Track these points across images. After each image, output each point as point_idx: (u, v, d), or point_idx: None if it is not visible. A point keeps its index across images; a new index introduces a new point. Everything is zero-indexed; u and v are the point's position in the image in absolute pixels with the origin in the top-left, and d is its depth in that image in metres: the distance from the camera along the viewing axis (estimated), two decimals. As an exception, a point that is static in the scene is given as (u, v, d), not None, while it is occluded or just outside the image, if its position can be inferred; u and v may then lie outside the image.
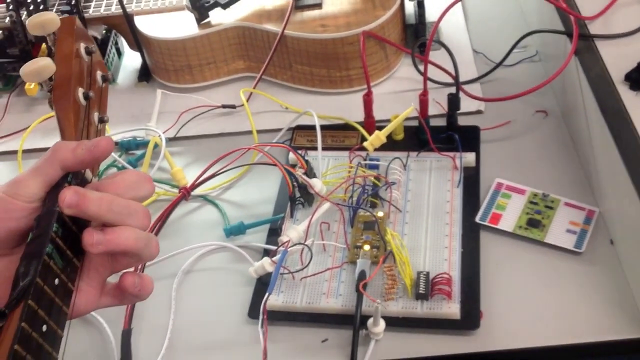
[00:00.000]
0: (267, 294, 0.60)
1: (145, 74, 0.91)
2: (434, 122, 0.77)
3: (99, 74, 0.54)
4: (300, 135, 0.80)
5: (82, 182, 0.47)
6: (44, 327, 0.41)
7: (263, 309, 0.59)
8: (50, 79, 0.49)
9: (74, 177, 0.46)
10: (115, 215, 0.44)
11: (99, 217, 0.44)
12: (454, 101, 0.75)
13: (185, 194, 0.66)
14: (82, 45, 0.51)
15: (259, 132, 0.81)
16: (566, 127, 0.78)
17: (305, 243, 0.64)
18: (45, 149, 0.81)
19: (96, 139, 0.46)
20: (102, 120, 0.53)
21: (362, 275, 0.63)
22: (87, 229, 0.44)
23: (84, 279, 0.46)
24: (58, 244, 0.43)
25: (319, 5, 0.85)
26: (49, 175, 0.46)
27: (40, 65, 0.48)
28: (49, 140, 0.84)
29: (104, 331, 0.65)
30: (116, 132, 0.83)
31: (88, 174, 0.49)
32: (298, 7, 0.84)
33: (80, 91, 0.50)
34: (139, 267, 0.61)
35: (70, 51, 0.50)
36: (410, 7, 0.90)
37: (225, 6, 0.85)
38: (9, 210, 0.45)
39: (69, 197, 0.43)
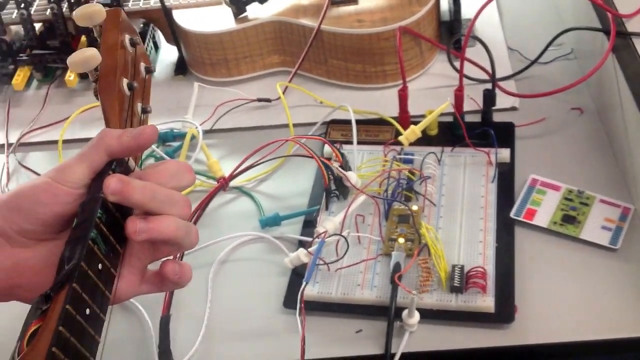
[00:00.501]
0: (304, 283, 0.61)
1: (181, 68, 0.93)
2: (468, 118, 0.78)
3: (142, 65, 0.55)
4: (335, 130, 0.81)
5: (126, 170, 0.48)
6: (87, 311, 0.42)
7: (300, 298, 0.60)
8: (96, 69, 0.50)
9: (118, 165, 0.47)
10: (157, 204, 0.46)
11: (142, 205, 0.45)
12: (489, 97, 0.75)
13: (224, 184, 0.67)
14: (127, 37, 0.53)
15: (293, 125, 0.82)
16: (602, 125, 0.78)
17: (342, 234, 0.64)
18: (84, 139, 0.84)
19: (141, 127, 0.48)
20: (145, 111, 0.54)
21: (397, 267, 0.63)
22: (131, 217, 0.45)
23: (125, 265, 0.47)
24: (102, 230, 0.44)
25: (355, 1, 0.85)
26: (95, 161, 0.47)
27: (87, 55, 0.49)
28: (88, 131, 0.85)
29: (143, 318, 0.66)
30: (154, 123, 0.84)
31: (131, 162, 0.50)
32: (334, 2, 0.85)
33: (125, 82, 0.51)
34: (178, 255, 0.62)
35: (116, 42, 0.52)
36: (445, 4, 0.90)
37: (262, 1, 0.86)
38: (56, 195, 0.46)
39: (113, 184, 0.44)
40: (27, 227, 0.46)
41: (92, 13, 0.51)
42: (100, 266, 0.44)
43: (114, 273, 0.45)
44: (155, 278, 0.49)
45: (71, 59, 0.49)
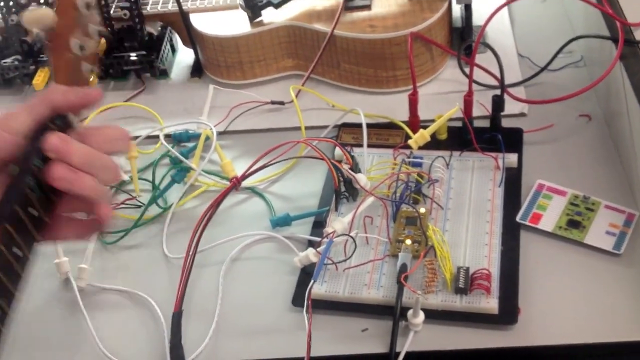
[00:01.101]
0: (312, 281, 0.63)
1: (197, 70, 0.95)
2: (477, 124, 0.79)
3: (94, 28, 0.56)
4: (346, 133, 0.82)
5: (67, 125, 0.50)
6: (18, 252, 0.46)
7: (308, 295, 0.62)
8: (50, 29, 0.52)
9: (60, 119, 0.50)
10: (90, 168, 0.48)
11: (78, 166, 0.48)
12: (498, 102, 0.76)
13: (236, 183, 0.69)
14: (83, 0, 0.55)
15: (305, 128, 0.83)
16: (609, 132, 0.79)
17: (350, 234, 0.66)
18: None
19: (89, 88, 0.51)
20: (92, 71, 0.55)
21: (403, 267, 0.65)
22: (57, 163, 0.47)
23: (56, 212, 0.49)
24: (38, 178, 0.46)
25: (368, 7, 0.87)
26: (39, 113, 0.49)
27: (42, 13, 0.52)
28: (105, 130, 0.87)
29: (156, 313, 0.68)
30: (169, 124, 0.86)
31: (73, 119, 0.52)
32: (348, 8, 0.87)
33: (76, 42, 0.53)
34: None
35: (71, 3, 0.54)
36: (457, 11, 0.92)
37: (277, 6, 0.88)
38: None
39: (54, 141, 0.47)
40: None
41: (40, 16, 0.54)
42: (33, 212, 0.47)
43: (45, 219, 0.48)
44: (78, 224, 0.51)
45: (26, 16, 0.51)
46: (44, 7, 0.53)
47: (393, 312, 0.63)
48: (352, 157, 0.72)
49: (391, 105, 0.85)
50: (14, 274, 0.46)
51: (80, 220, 0.51)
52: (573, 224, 0.69)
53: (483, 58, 0.84)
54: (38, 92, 0.51)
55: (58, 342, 0.68)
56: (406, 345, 0.62)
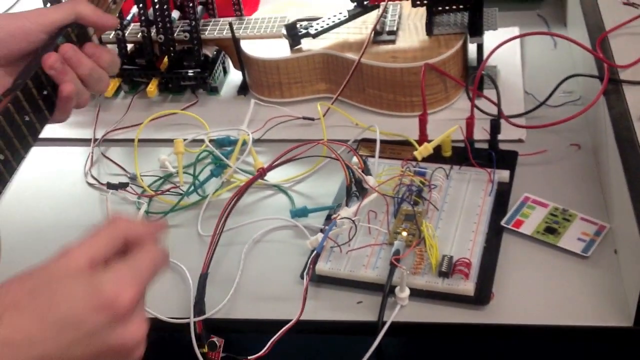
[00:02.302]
0: (315, 252, 0.74)
1: (244, 89, 1.09)
2: (479, 145, 0.90)
3: None
4: (364, 146, 0.95)
5: (83, 34, 0.64)
6: (27, 118, 0.59)
7: (310, 264, 0.74)
8: None
9: (79, 28, 0.64)
10: (88, 78, 0.63)
11: (81, 77, 0.63)
12: (495, 125, 0.88)
13: (262, 173, 0.82)
14: None
15: (329, 141, 0.96)
16: (594, 160, 0.89)
17: (353, 219, 0.78)
18: (155, 140, 1.00)
19: (109, 14, 0.67)
20: (115, 2, 0.71)
21: (396, 252, 0.76)
22: (53, 55, 0.61)
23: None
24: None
25: (393, 42, 1.00)
26: (65, 17, 0.63)
27: None
28: (159, 133, 1.02)
29: (186, 277, 0.80)
30: (215, 130, 1.00)
31: (90, 30, 0.66)
32: (375, 41, 1.00)
33: None
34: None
35: None
36: (474, 52, 1.04)
37: (314, 36, 1.02)
38: (27, 33, 0.63)
39: (68, 51, 0.62)
40: None
41: None
42: (44, 92, 0.61)
43: (54, 99, 0.62)
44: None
45: None
46: None
47: (383, 288, 0.74)
48: (364, 161, 0.85)
49: (407, 127, 0.97)
50: (24, 138, 0.57)
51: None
52: (550, 230, 0.79)
53: (493, 93, 0.96)
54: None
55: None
56: (392, 316, 0.73)
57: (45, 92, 0.61)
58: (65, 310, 0.43)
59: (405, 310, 0.74)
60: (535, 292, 0.74)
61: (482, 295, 0.73)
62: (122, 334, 0.45)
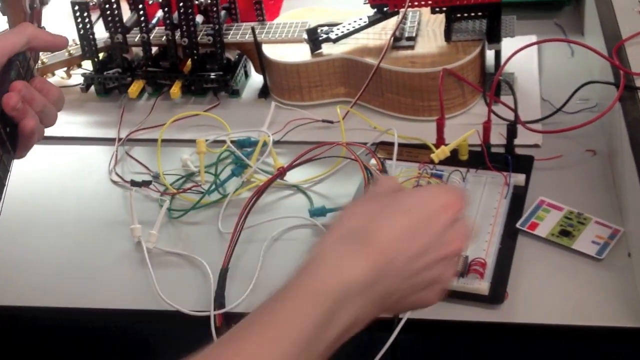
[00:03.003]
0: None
1: (264, 92, 1.11)
2: (495, 150, 0.92)
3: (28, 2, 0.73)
4: (382, 149, 0.96)
5: (29, 69, 0.66)
6: None
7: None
8: None
9: (23, 58, 0.65)
10: (42, 115, 0.65)
11: (35, 111, 0.65)
12: (512, 130, 0.89)
13: (282, 172, 0.84)
14: None
15: (348, 143, 0.98)
16: (610, 165, 0.90)
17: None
18: (178, 140, 1.03)
19: (59, 34, 0.69)
20: (39, 26, 0.73)
21: (412, 251, 0.78)
22: (14, 95, 0.62)
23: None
24: None
25: (411, 47, 1.02)
26: (18, 41, 0.65)
27: None
28: (182, 133, 1.05)
29: (207, 272, 0.82)
30: (236, 131, 1.02)
31: (33, 64, 0.68)
32: (394, 46, 1.02)
33: (27, 2, 0.70)
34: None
35: None
36: (491, 59, 1.06)
37: (335, 41, 1.04)
38: None
39: (21, 88, 0.63)
40: None
41: None
42: (7, 129, 0.63)
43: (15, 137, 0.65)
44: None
45: None
46: None
47: (400, 286, 0.75)
48: (382, 163, 0.86)
49: (424, 131, 0.98)
50: None
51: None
52: (564, 232, 0.81)
53: (510, 99, 0.97)
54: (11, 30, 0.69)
55: (129, 289, 0.83)
56: (407, 313, 0.74)
57: (8, 129, 0.63)
58: (418, 214, 0.52)
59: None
60: (549, 293, 0.75)
61: (496, 295, 0.74)
62: (458, 234, 0.53)
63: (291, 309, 0.48)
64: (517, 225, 0.82)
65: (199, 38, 1.10)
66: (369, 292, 0.50)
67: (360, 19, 1.05)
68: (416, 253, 0.51)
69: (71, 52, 1.14)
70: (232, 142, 1.01)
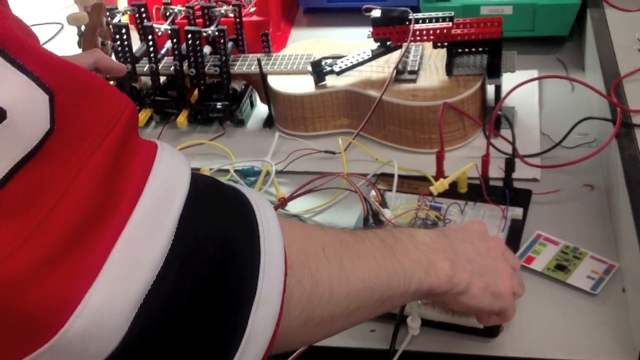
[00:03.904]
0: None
1: (269, 122, 1.13)
2: (494, 183, 0.93)
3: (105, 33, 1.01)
4: (383, 180, 0.98)
5: None
6: None
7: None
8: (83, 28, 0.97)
9: None
10: None
11: None
12: (510, 163, 0.91)
13: (284, 202, 0.85)
14: (104, 19, 1.00)
15: (349, 174, 1.00)
16: (607, 200, 0.92)
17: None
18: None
19: (120, 64, 0.90)
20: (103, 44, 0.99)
21: (409, 283, 0.79)
22: None
23: None
24: None
25: (413, 80, 1.04)
26: (91, 61, 0.83)
27: (80, 15, 0.96)
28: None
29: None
30: (240, 161, 1.04)
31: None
32: (397, 79, 1.04)
33: (99, 39, 0.95)
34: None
35: (95, 21, 0.99)
36: (492, 93, 1.08)
37: (339, 73, 1.06)
38: None
39: None
40: None
41: (78, 17, 0.96)
42: None
43: None
44: None
45: (69, 15, 0.94)
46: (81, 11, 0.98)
47: (396, 318, 0.76)
48: (382, 194, 0.88)
49: (425, 163, 1.00)
50: None
51: None
52: (560, 267, 0.82)
53: (510, 133, 0.99)
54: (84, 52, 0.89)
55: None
56: (404, 345, 0.75)
57: None
58: (467, 236, 0.70)
59: (417, 339, 0.76)
60: (544, 327, 0.76)
61: (491, 328, 0.75)
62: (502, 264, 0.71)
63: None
64: (514, 258, 0.83)
65: (206, 68, 1.12)
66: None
67: (364, 52, 1.08)
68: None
69: (81, 80, 1.17)
70: (235, 171, 1.03)
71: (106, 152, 0.43)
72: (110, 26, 1.08)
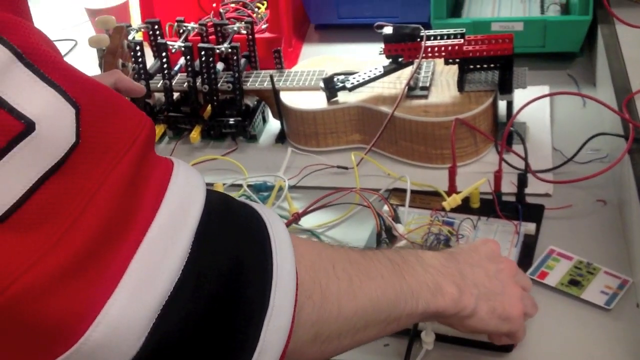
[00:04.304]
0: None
1: (281, 137, 1.14)
2: (507, 198, 0.94)
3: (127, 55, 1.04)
4: (395, 195, 0.98)
5: None
6: None
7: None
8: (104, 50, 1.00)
9: None
10: None
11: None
12: (522, 179, 0.91)
13: (297, 217, 0.86)
14: (125, 42, 1.02)
15: (362, 189, 1.00)
16: (619, 215, 0.92)
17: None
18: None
19: (140, 85, 0.92)
20: (124, 65, 1.03)
21: (423, 298, 0.79)
22: None
23: None
24: None
25: (425, 97, 1.05)
26: (112, 80, 0.86)
27: (101, 38, 1.00)
28: (201, 177, 1.07)
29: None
30: (253, 176, 1.05)
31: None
32: (408, 95, 1.05)
33: (120, 61, 0.98)
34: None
35: (116, 44, 1.01)
36: (504, 108, 1.08)
37: (351, 89, 1.07)
38: None
39: None
40: None
41: (99, 39, 1.00)
42: None
43: None
44: None
45: (91, 37, 0.99)
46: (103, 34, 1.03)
47: (410, 332, 0.77)
48: (395, 210, 0.88)
49: (437, 178, 1.00)
50: None
51: None
52: (574, 282, 0.82)
53: (522, 149, 0.99)
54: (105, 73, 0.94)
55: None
56: (418, 358, 0.76)
57: None
58: (477, 259, 0.71)
59: (431, 354, 0.76)
60: (557, 342, 0.76)
61: (504, 344, 0.75)
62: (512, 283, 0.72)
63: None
64: (527, 274, 0.83)
65: (219, 85, 1.13)
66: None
67: (376, 68, 1.08)
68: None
69: (96, 96, 1.18)
70: (248, 186, 1.03)
71: (127, 167, 0.43)
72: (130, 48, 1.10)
